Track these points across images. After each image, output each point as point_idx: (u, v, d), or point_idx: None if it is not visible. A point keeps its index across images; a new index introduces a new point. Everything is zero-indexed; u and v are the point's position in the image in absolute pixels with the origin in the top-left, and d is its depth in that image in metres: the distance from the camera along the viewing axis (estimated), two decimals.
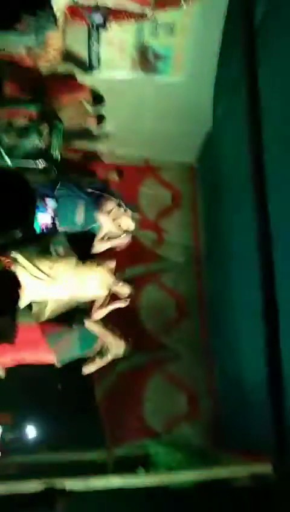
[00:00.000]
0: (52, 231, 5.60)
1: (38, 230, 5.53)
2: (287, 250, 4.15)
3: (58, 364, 5.61)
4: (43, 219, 5.57)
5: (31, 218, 2.38)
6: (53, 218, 5.65)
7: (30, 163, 6.29)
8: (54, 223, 5.76)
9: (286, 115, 4.62)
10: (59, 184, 6.14)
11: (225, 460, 5.47)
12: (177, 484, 4.92)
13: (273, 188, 3.48)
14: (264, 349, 3.49)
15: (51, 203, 5.68)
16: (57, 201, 5.87)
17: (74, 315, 5.79)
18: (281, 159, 4.42)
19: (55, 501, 3.25)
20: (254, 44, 3.52)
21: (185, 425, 6.38)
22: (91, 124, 6.99)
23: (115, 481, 4.65)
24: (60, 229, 5.86)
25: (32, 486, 4.01)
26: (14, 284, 2.95)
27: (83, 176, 6.90)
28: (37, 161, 6.27)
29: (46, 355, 5.56)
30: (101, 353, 5.87)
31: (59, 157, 6.35)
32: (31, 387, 6.07)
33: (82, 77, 6.82)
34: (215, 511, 4.98)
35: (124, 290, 5.99)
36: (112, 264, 6.02)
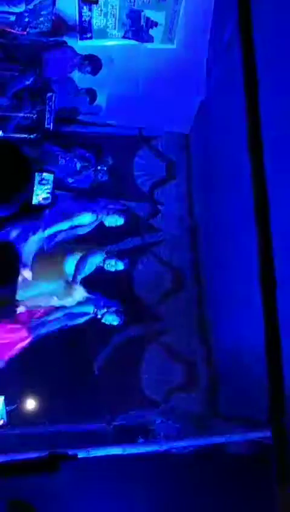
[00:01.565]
0: (48, 203, 5.55)
1: (35, 201, 5.49)
2: (285, 217, 4.13)
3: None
4: (40, 191, 5.52)
5: (26, 189, 2.33)
6: (50, 192, 5.60)
7: (23, 135, 6.25)
8: (51, 196, 5.70)
9: (283, 80, 4.55)
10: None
11: (222, 428, 5.54)
12: (176, 452, 4.98)
13: (270, 155, 3.43)
14: (261, 317, 3.51)
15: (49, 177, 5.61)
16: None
17: None
18: (278, 125, 4.37)
19: (59, 465, 3.27)
20: (249, 8, 3.43)
21: (183, 394, 6.44)
22: (82, 99, 6.89)
23: (115, 450, 4.70)
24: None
25: (32, 455, 4.03)
26: (12, 258, 2.91)
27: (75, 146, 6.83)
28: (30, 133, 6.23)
29: None
30: None
31: (51, 127, 6.27)
32: (31, 362, 6.09)
33: (74, 45, 6.68)
34: (214, 477, 5.05)
35: None
36: None
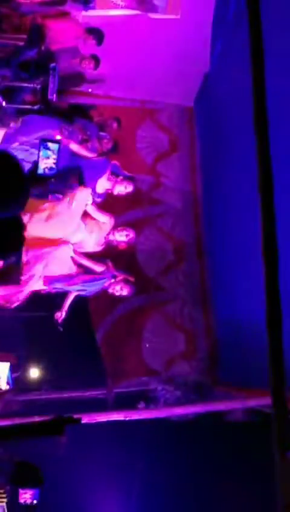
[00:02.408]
0: (53, 174, 5.55)
1: (40, 171, 5.48)
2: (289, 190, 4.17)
3: None
4: (45, 161, 5.51)
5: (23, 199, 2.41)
6: (55, 162, 5.59)
7: (27, 106, 6.25)
8: (55, 165, 5.69)
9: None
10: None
11: (222, 396, 5.66)
12: (177, 418, 5.10)
13: (275, 128, 3.46)
14: (260, 288, 3.58)
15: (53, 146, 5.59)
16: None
17: None
18: (285, 97, 4.38)
19: (63, 428, 3.38)
20: None
21: (183, 363, 6.56)
22: (86, 66, 6.84)
23: (116, 416, 4.82)
24: None
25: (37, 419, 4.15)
26: (17, 226, 2.95)
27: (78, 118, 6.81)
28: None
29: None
30: None
31: (55, 98, 6.25)
32: (34, 330, 6.19)
33: (77, 15, 6.63)
34: (213, 444, 5.20)
35: None
36: None
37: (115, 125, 7.06)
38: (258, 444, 5.26)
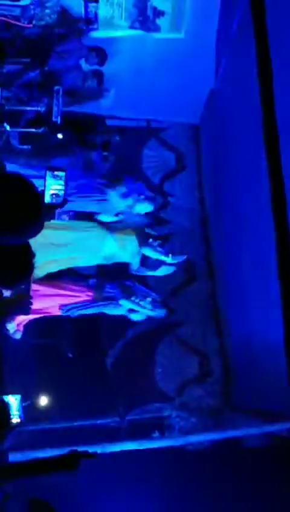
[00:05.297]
0: (60, 201, 5.48)
1: (47, 200, 5.43)
2: None
3: None
4: (53, 188, 5.46)
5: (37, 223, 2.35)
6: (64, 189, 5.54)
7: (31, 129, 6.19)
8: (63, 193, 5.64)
9: None
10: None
11: (239, 421, 5.48)
12: (193, 446, 4.94)
13: (285, 142, 3.35)
14: (275, 308, 3.43)
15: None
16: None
17: None
18: None
19: (78, 463, 3.25)
20: None
21: (197, 387, 6.40)
22: (91, 85, 6.80)
23: (130, 446, 4.66)
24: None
25: (50, 453, 4.02)
26: (24, 255, 2.85)
27: (84, 138, 6.75)
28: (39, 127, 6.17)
29: None
30: None
31: (59, 120, 6.19)
32: (43, 356, 6.07)
33: (80, 36, 6.60)
34: (231, 471, 5.01)
35: None
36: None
37: (117, 138, 7.00)
38: (277, 469, 5.06)
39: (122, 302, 6.06)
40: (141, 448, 4.67)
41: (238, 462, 4.95)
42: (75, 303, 5.89)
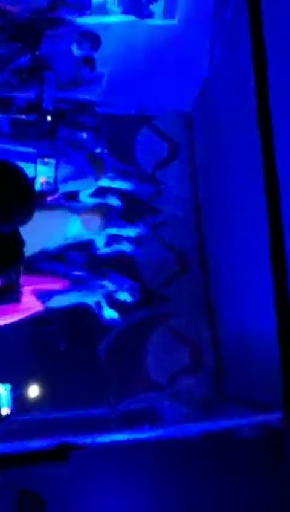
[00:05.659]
0: (52, 189, 5.42)
1: (39, 188, 5.36)
2: None
3: None
4: (44, 176, 5.38)
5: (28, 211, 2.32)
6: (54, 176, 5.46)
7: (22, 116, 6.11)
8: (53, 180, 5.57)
9: None
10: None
11: (230, 411, 5.48)
12: (184, 437, 4.92)
13: (279, 131, 3.30)
14: (268, 299, 3.40)
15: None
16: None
17: None
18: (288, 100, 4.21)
19: (68, 455, 3.23)
20: None
21: (189, 377, 6.39)
22: (82, 70, 6.70)
23: (120, 437, 4.63)
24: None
25: (40, 443, 3.99)
26: (15, 243, 2.82)
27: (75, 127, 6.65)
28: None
29: None
30: None
31: (51, 107, 6.12)
32: (32, 345, 6.04)
33: (72, 21, 6.49)
34: (222, 462, 5.00)
35: None
36: None
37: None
38: (269, 460, 5.06)
39: (94, 286, 5.94)
40: (132, 438, 4.64)
41: (229, 452, 4.93)
42: (49, 290, 5.78)
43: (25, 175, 2.32)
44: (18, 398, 5.52)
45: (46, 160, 5.20)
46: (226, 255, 6.51)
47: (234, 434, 5.04)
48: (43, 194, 5.34)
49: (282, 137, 3.40)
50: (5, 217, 2.30)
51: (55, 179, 5.26)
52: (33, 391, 5.96)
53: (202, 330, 6.73)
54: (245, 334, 5.86)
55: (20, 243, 2.91)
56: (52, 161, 5.23)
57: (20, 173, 2.28)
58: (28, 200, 2.30)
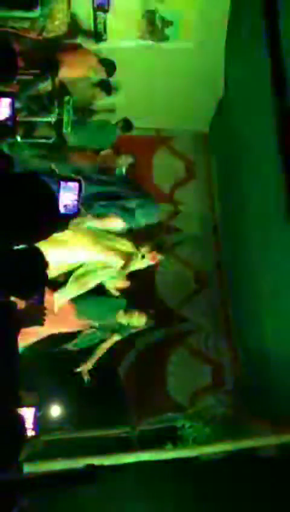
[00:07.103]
0: (74, 212, 5.44)
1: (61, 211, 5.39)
2: None
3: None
4: (65, 199, 5.40)
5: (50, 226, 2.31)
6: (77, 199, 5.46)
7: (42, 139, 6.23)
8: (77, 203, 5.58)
9: None
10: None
11: (252, 431, 5.43)
12: (206, 457, 4.90)
13: None
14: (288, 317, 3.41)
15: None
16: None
17: None
18: None
19: (95, 476, 3.23)
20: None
21: (210, 397, 6.34)
22: (100, 96, 6.83)
23: (144, 456, 4.63)
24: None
25: (63, 465, 4.01)
26: (38, 264, 2.84)
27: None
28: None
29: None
30: (118, 330, 5.80)
31: (70, 130, 6.23)
32: (54, 365, 6.05)
33: (89, 47, 6.64)
34: (246, 481, 4.96)
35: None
36: None
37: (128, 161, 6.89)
38: None
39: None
40: (153, 459, 4.63)
41: (252, 471, 4.90)
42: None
43: (49, 187, 2.32)
44: (41, 419, 5.53)
45: (68, 184, 5.22)
46: (245, 273, 6.51)
47: (257, 453, 5.01)
48: (66, 217, 5.38)
49: None
50: (28, 229, 2.29)
51: (78, 202, 5.29)
52: (55, 411, 5.98)
53: (222, 349, 6.69)
54: (266, 352, 5.84)
55: (43, 264, 2.93)
56: (76, 185, 5.26)
57: (44, 185, 2.29)
58: (52, 212, 2.30)
